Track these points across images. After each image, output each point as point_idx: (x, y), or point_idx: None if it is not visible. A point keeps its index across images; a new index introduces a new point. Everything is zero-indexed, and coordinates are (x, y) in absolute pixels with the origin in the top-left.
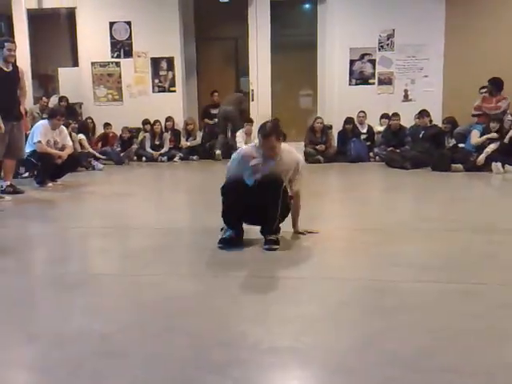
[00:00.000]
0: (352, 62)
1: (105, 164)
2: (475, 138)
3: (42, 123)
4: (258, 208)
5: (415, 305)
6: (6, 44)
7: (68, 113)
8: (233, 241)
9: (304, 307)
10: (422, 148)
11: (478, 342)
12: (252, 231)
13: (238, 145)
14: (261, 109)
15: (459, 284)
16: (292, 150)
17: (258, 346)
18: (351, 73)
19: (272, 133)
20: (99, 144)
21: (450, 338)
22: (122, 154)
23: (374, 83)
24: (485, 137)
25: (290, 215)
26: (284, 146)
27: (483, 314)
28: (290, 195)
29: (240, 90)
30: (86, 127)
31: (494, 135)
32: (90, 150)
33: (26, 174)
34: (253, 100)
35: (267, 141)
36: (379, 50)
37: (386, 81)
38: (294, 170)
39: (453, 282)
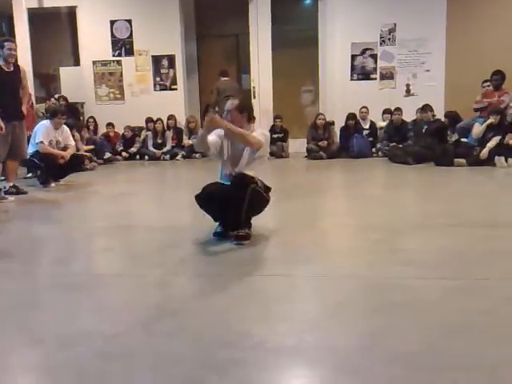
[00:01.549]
0: (353, 57)
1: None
2: (476, 129)
3: (44, 123)
4: (228, 206)
5: (419, 302)
6: (6, 43)
7: (69, 112)
8: (222, 234)
9: (306, 305)
10: (424, 143)
11: (481, 338)
12: (257, 227)
13: None
14: (262, 106)
15: (463, 280)
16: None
17: (262, 345)
18: (353, 68)
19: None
20: None
21: (454, 335)
22: (106, 155)
23: (375, 78)
24: (485, 124)
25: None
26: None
27: (487, 309)
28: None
29: (224, 70)
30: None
31: (493, 121)
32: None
33: (29, 175)
34: (254, 97)
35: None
36: (381, 44)
37: (388, 75)
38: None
39: (457, 279)
